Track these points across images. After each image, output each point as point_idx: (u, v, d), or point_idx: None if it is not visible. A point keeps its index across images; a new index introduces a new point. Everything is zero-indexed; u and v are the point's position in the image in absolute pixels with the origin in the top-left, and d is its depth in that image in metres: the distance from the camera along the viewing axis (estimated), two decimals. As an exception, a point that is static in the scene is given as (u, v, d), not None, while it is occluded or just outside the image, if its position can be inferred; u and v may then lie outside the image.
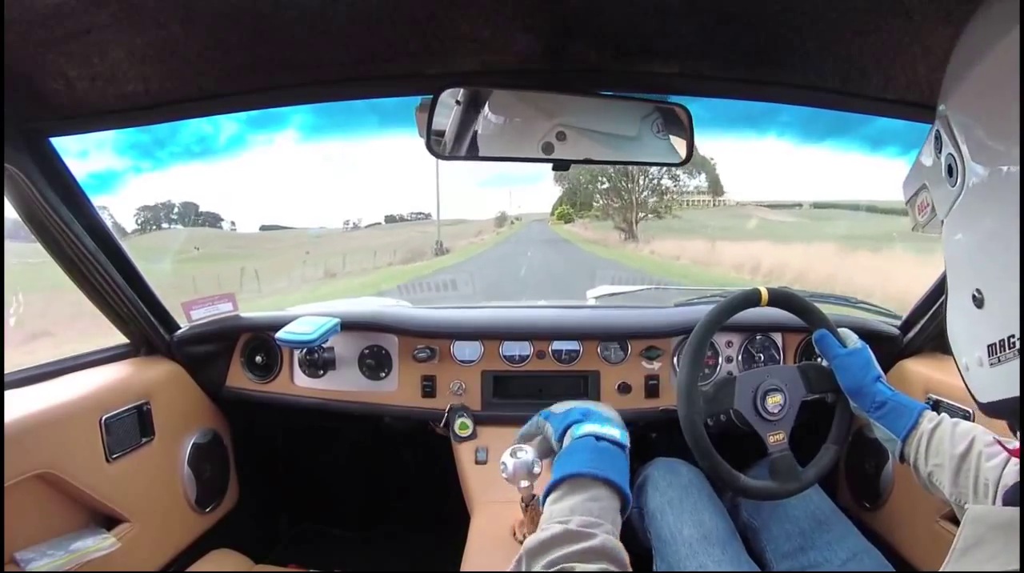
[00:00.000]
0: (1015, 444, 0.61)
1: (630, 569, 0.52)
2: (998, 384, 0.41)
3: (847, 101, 0.84)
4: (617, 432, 0.64)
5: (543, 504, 0.59)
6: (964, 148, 0.42)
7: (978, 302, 0.41)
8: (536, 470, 0.87)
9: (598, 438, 0.63)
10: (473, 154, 0.80)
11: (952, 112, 0.44)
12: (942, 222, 0.48)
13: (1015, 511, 0.38)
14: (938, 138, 0.46)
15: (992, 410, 0.43)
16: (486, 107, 0.79)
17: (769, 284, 0.97)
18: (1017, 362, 0.37)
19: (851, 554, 0.90)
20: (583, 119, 0.80)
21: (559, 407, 0.76)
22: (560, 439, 0.66)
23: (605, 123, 0.82)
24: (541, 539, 0.52)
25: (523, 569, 0.52)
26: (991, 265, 0.40)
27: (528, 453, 0.87)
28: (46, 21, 0.63)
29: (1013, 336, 0.37)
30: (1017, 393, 0.38)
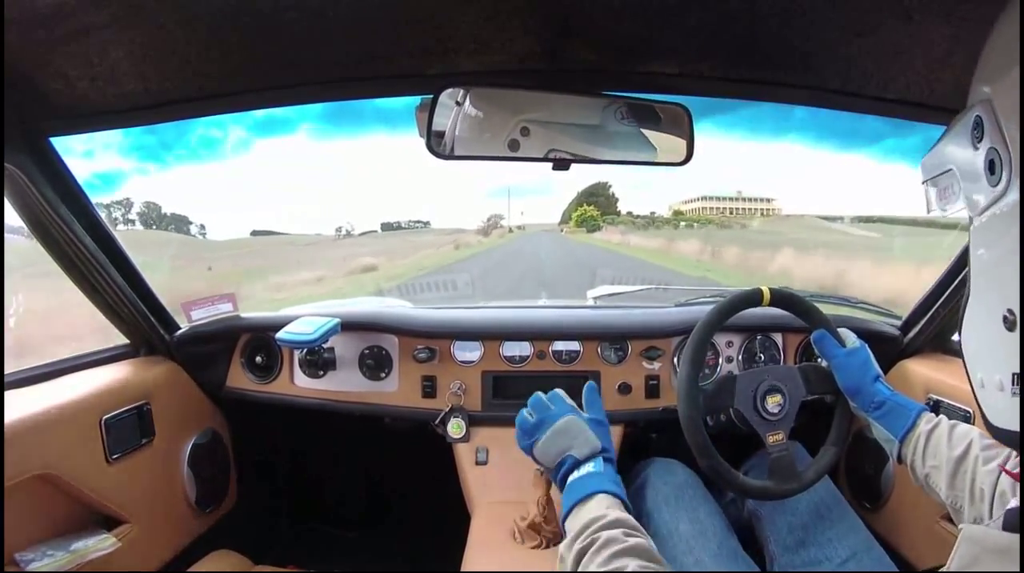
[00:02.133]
0: (1012, 462, 0.60)
1: (643, 530, 0.63)
2: (1017, 415, 0.37)
3: (847, 101, 0.84)
4: (591, 466, 0.73)
5: (563, 528, 0.69)
6: (1012, 147, 0.37)
7: (1009, 324, 0.37)
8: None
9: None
10: (453, 154, 0.80)
11: (1002, 99, 0.38)
12: (971, 219, 0.42)
13: (1012, 537, 0.37)
14: (978, 125, 0.40)
15: (1004, 438, 0.40)
16: (464, 107, 0.79)
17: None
18: None
19: (851, 552, 0.90)
20: (544, 113, 0.81)
21: (545, 455, 0.78)
22: (562, 485, 0.76)
23: (566, 114, 0.82)
24: (570, 537, 0.63)
25: (566, 553, 0.62)
26: None
27: None
28: (46, 21, 0.63)
29: None
30: None
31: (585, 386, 0.84)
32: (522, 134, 0.80)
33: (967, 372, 0.44)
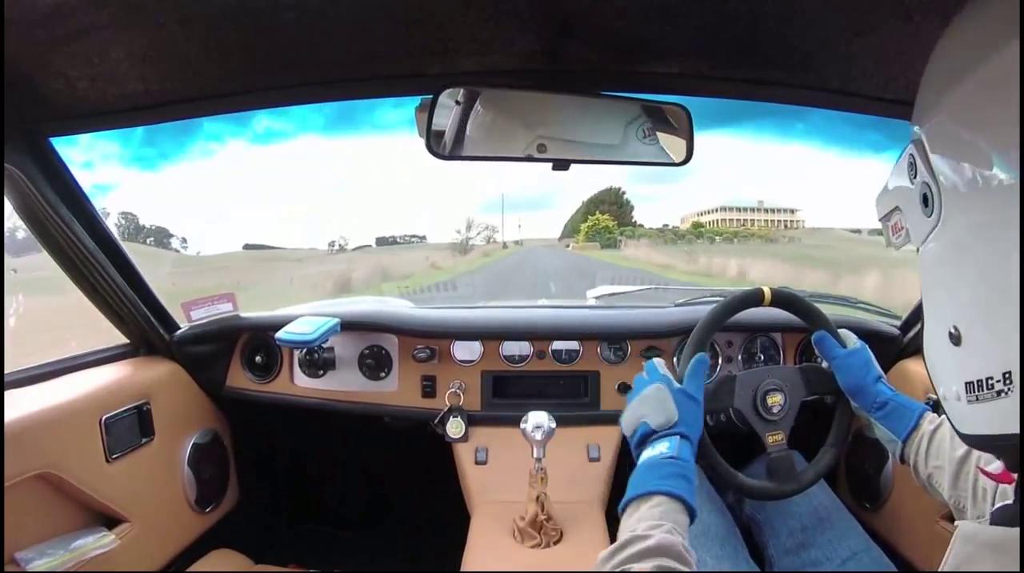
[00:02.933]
0: (998, 467, 0.60)
1: (689, 559, 0.57)
2: (978, 420, 0.40)
3: (847, 101, 0.84)
4: (665, 446, 0.68)
5: (620, 513, 0.66)
6: (941, 179, 0.41)
7: (955, 339, 0.40)
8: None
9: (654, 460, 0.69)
10: (453, 155, 0.80)
11: (929, 137, 0.43)
12: (918, 249, 0.46)
13: (1007, 531, 0.38)
14: (912, 163, 0.44)
15: (972, 443, 0.43)
16: (476, 108, 0.78)
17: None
18: (998, 401, 0.37)
19: (851, 553, 0.90)
20: (564, 129, 0.80)
21: (626, 424, 0.76)
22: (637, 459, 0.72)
23: (587, 132, 0.81)
24: (611, 547, 0.58)
25: (601, 567, 0.57)
26: (969, 304, 0.39)
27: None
28: (46, 21, 0.63)
29: (992, 378, 0.37)
30: (999, 431, 0.38)
31: (695, 359, 0.80)
32: (539, 151, 0.79)
33: (932, 384, 0.47)
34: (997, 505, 0.45)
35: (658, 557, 0.55)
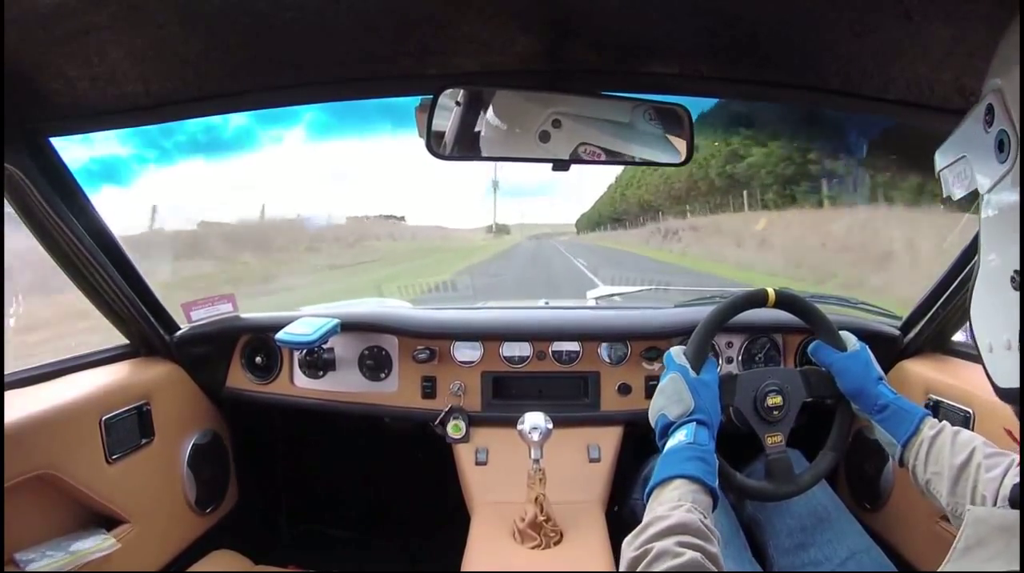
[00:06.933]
0: (1013, 471, 0.61)
1: (710, 535, 0.59)
2: (1019, 373, 0.40)
3: (847, 102, 0.84)
4: (683, 434, 0.71)
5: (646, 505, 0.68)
6: (1019, 126, 0.42)
7: (1016, 284, 0.41)
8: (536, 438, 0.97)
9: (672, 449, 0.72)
10: (476, 154, 0.80)
11: (1009, 87, 0.44)
12: (981, 196, 0.47)
13: (1017, 514, 0.38)
14: (990, 111, 0.45)
15: (1008, 397, 0.43)
16: (489, 109, 0.79)
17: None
18: None
19: (850, 553, 0.90)
20: (577, 107, 0.81)
21: (650, 416, 0.79)
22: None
23: (599, 110, 0.82)
24: (634, 532, 0.61)
25: (625, 550, 0.60)
26: None
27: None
28: (46, 21, 0.63)
29: None
30: None
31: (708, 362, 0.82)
32: (554, 126, 0.80)
33: (975, 342, 0.47)
34: (1017, 481, 0.46)
35: (678, 534, 0.57)
